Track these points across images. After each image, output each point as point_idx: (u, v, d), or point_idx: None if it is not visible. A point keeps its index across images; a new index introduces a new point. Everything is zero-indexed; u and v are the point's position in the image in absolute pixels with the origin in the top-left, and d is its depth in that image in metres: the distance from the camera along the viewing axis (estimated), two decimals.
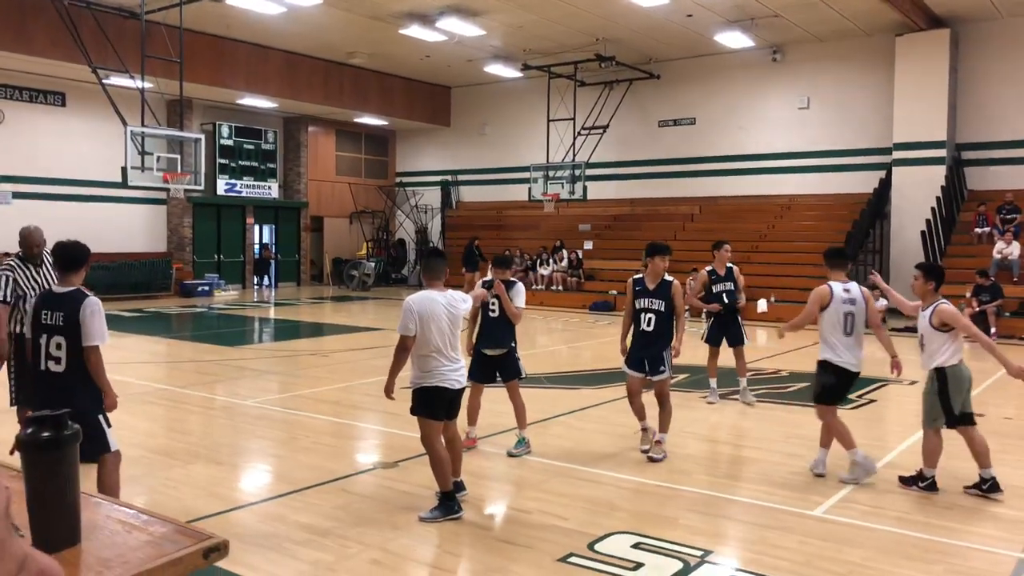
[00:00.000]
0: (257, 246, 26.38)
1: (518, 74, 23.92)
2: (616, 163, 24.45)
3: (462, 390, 5.38)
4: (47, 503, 1.93)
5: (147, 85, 16.61)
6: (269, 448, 7.19)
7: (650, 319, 6.69)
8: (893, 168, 19.58)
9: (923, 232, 17.61)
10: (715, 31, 19.70)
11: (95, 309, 4.71)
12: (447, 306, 5.20)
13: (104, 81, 16.96)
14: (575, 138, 23.18)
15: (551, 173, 22.91)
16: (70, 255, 4.87)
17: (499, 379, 6.80)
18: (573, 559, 4.58)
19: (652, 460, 6.59)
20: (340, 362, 11.87)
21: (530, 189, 23.22)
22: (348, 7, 18.22)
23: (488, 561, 4.64)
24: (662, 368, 6.68)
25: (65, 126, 21.16)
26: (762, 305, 17.78)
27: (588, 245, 23.19)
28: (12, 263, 6.07)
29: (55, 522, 1.93)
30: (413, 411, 5.27)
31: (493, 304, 6.72)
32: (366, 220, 28.23)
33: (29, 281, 6.07)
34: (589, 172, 22.87)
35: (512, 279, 6.83)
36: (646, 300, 6.72)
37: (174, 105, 20.88)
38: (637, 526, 5.11)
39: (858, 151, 20.78)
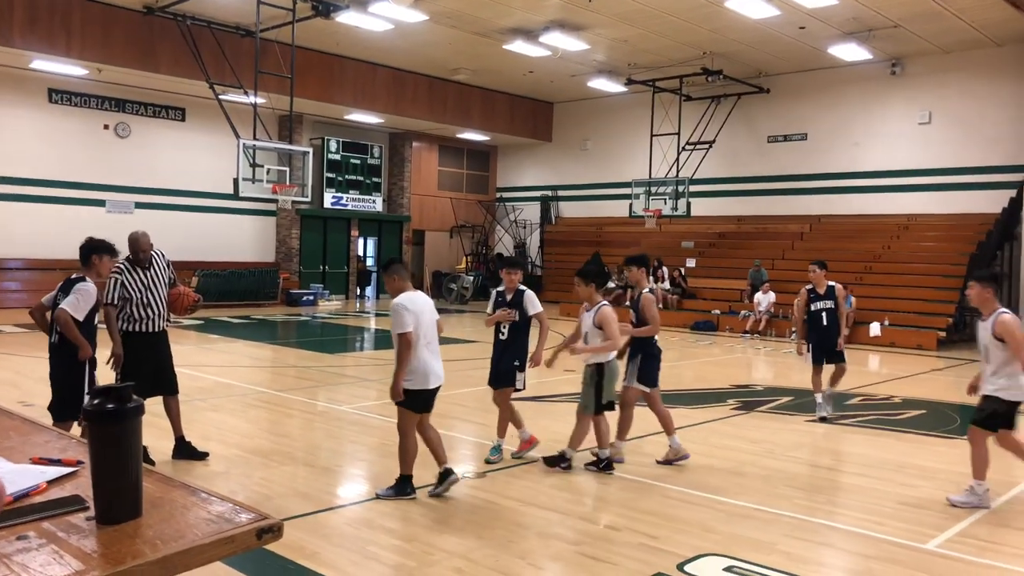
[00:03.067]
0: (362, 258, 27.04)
1: (622, 89, 23.74)
2: (722, 179, 23.88)
3: (439, 387, 5.79)
4: (110, 475, 1.95)
5: (260, 100, 17.28)
6: (362, 453, 7.24)
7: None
8: None
9: None
10: (829, 44, 19.01)
11: (81, 288, 5.71)
12: (427, 303, 5.79)
13: (220, 96, 17.79)
14: (679, 153, 22.76)
15: (653, 189, 22.57)
16: (81, 251, 5.90)
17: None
18: None
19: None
20: None
21: (631, 205, 22.93)
22: (453, 24, 18.49)
23: None
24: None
25: (184, 140, 22.27)
26: (875, 329, 16.92)
27: (691, 263, 22.69)
28: (121, 266, 6.31)
29: (118, 494, 1.95)
30: (410, 406, 5.66)
31: (504, 328, 6.82)
32: (466, 234, 28.54)
33: (137, 284, 6.30)
34: (693, 188, 22.41)
35: (522, 287, 6.86)
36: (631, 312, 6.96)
37: (285, 120, 21.69)
38: (731, 549, 4.84)
39: (985, 169, 19.59)
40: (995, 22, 17.30)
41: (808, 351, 9.17)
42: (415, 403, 5.64)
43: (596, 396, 6.47)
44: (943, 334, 16.66)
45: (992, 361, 5.87)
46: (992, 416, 5.84)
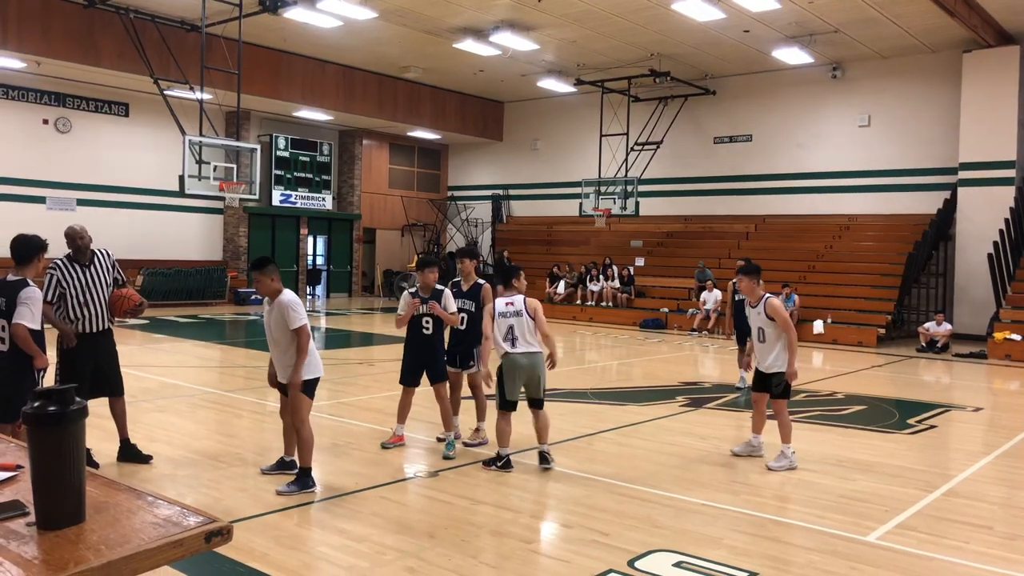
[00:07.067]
0: (310, 257, 26.73)
1: (571, 89, 23.88)
2: (670, 179, 24.19)
3: None
4: (51, 479, 1.90)
5: (206, 96, 16.96)
6: (313, 454, 7.15)
7: (463, 318, 7.27)
8: (959, 188, 18.96)
9: (990, 255, 17.00)
10: (773, 47, 19.39)
11: (30, 295, 5.44)
12: None
13: (165, 92, 17.42)
14: (628, 153, 23.00)
15: (603, 188, 22.76)
16: (19, 249, 5.56)
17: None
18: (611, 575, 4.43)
19: (466, 445, 7.24)
20: (386, 371, 11.86)
21: (581, 204, 23.09)
22: (403, 21, 18.40)
23: (525, 574, 4.51)
24: (471, 363, 7.31)
25: (128, 136, 21.75)
26: (818, 326, 17.33)
27: (639, 262, 22.95)
28: (58, 263, 6.13)
29: (59, 499, 1.90)
30: (308, 393, 5.92)
31: (427, 323, 6.93)
32: (417, 233, 28.43)
33: (74, 282, 6.10)
34: (642, 188, 22.66)
35: (439, 287, 7.03)
36: (459, 300, 7.28)
37: (232, 116, 21.32)
38: (680, 544, 4.93)
39: (921, 171, 20.18)
40: (930, 29, 17.84)
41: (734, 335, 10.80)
42: (313, 391, 6.00)
43: (499, 393, 6.63)
44: (883, 331, 17.13)
45: (768, 340, 6.88)
46: (787, 387, 6.97)
